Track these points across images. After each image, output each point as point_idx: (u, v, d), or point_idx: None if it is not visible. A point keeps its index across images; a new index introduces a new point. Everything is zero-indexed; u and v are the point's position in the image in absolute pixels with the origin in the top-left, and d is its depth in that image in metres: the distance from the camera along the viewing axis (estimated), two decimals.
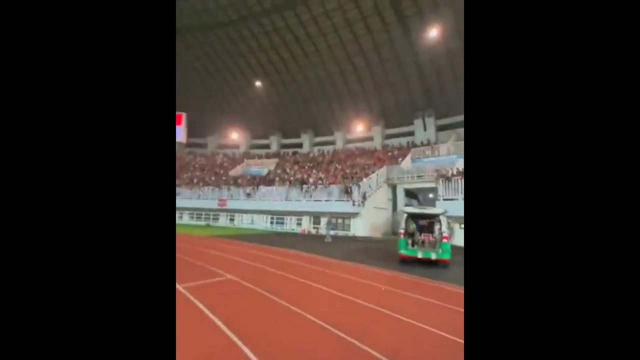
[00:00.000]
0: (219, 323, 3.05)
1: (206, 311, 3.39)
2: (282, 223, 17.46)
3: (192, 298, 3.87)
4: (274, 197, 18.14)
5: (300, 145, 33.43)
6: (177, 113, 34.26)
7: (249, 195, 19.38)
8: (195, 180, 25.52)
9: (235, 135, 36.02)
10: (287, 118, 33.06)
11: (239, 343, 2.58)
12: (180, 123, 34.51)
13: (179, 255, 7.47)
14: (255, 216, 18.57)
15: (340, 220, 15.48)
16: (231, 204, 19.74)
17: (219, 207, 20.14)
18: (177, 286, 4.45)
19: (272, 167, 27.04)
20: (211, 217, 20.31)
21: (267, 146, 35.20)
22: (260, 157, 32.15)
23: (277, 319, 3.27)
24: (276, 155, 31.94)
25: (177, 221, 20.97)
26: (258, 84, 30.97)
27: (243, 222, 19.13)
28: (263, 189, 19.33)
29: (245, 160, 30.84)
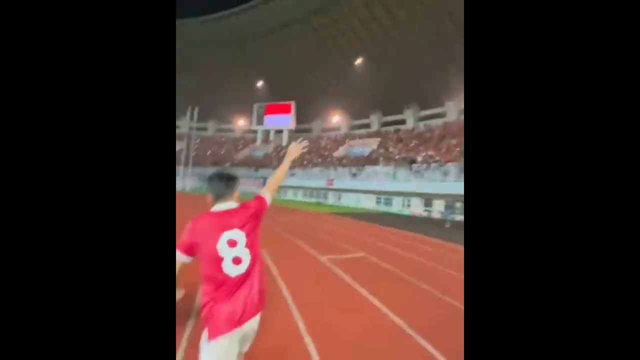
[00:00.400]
0: (374, 300, 3.14)
1: (357, 286, 3.57)
2: (390, 203, 17.07)
3: (339, 270, 4.18)
4: (380, 177, 17.85)
5: (402, 122, 31.38)
6: (286, 103, 38.27)
7: (354, 175, 19.80)
8: (304, 162, 28.06)
9: (336, 118, 37.13)
10: (388, 94, 31.36)
11: (401, 323, 2.58)
12: (289, 111, 38.44)
13: (306, 229, 8.36)
14: (361, 195, 18.91)
15: (459, 204, 13.78)
16: (338, 184, 20.74)
17: (327, 187, 21.51)
18: (323, 257, 4.92)
19: (375, 147, 26.60)
20: (321, 195, 21.98)
21: (367, 125, 34.75)
22: (361, 137, 32.15)
23: (424, 302, 3.12)
24: (377, 134, 31.17)
25: (292, 197, 23.77)
26: (358, 61, 30.34)
27: (350, 200, 19.85)
28: (368, 168, 19.29)
29: (347, 141, 31.50)
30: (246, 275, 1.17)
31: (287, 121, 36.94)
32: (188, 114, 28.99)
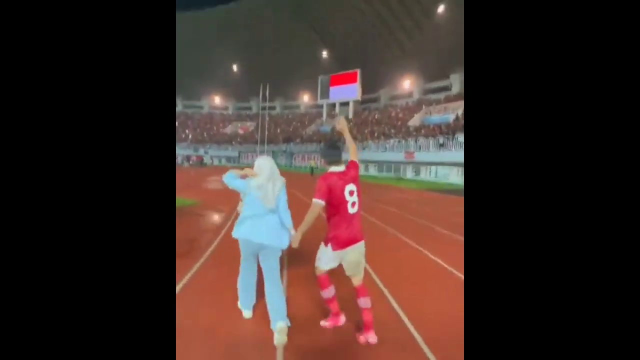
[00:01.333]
0: None
1: None
2: None
3: None
4: None
5: None
6: (351, 71, 35.90)
7: (442, 145, 17.40)
8: (375, 134, 26.24)
9: (407, 83, 33.30)
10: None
11: None
12: (355, 80, 36.09)
13: (436, 210, 7.32)
14: (447, 169, 16.59)
15: None
16: (420, 156, 18.66)
17: (406, 160, 19.63)
18: None
19: (460, 112, 22.93)
20: (401, 170, 20.24)
21: (446, 88, 30.20)
22: (439, 102, 28.23)
23: None
24: (459, 97, 26.84)
25: (364, 172, 22.65)
26: (441, 9, 25.65)
27: (431, 175, 17.73)
28: (461, 136, 16.62)
29: (423, 107, 28.10)
30: (357, 214, 1.82)
31: (352, 91, 34.85)
32: (260, 93, 29.67)
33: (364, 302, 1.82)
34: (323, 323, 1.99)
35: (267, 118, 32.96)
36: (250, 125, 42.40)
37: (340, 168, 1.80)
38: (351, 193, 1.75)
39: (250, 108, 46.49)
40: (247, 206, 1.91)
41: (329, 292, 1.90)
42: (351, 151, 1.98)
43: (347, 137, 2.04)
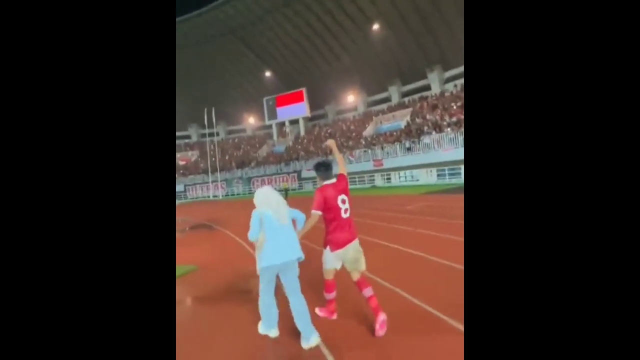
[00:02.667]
0: None
1: None
2: (458, 174, 14.90)
3: None
4: (446, 147, 15.63)
5: (427, 88, 28.70)
6: (297, 90, 35.59)
7: (409, 149, 17.58)
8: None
9: (351, 98, 34.40)
10: (406, 59, 28.56)
11: None
12: (302, 99, 35.79)
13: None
14: (416, 171, 16.78)
15: None
16: (388, 163, 18.55)
17: (375, 168, 19.35)
18: None
19: (408, 118, 24.17)
20: (366, 179, 19.80)
21: (387, 99, 32.06)
22: (384, 112, 29.62)
23: None
24: (402, 105, 28.60)
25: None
26: (375, 27, 27.22)
27: (401, 179, 17.74)
28: (427, 138, 17.02)
29: (373, 117, 29.00)
30: (349, 218, 2.14)
31: (302, 109, 34.36)
32: (206, 118, 26.50)
33: (367, 291, 2.10)
34: (318, 311, 2.35)
35: (210, 146, 29.61)
36: (192, 154, 37.87)
37: (332, 181, 2.15)
38: (343, 201, 2.09)
39: (189, 137, 41.81)
40: (267, 233, 1.96)
41: (331, 295, 2.26)
42: (340, 165, 2.32)
43: (336, 153, 2.43)
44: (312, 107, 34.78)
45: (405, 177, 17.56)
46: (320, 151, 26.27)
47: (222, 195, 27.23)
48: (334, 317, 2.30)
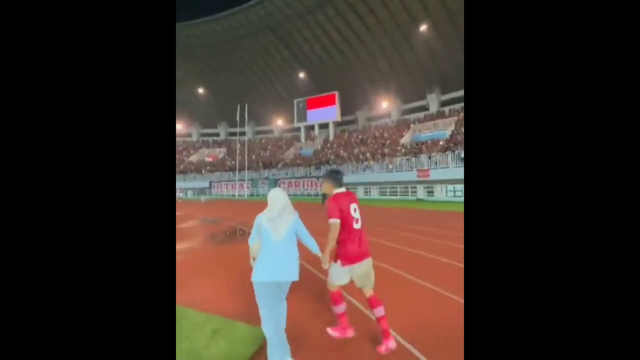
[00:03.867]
0: None
1: None
2: None
3: None
4: None
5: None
6: (329, 94, 34.14)
7: (463, 159, 15.23)
8: (365, 155, 23.76)
9: (385, 104, 32.36)
10: (450, 66, 26.22)
11: None
12: (333, 102, 34.24)
13: None
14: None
15: None
16: (436, 174, 16.25)
17: (419, 179, 17.08)
18: None
19: (453, 127, 21.77)
20: (409, 190, 17.53)
21: (424, 108, 29.71)
22: (420, 120, 27.32)
23: None
24: (441, 115, 26.20)
25: (365, 196, 19.62)
26: (422, 28, 25.15)
27: (448, 194, 15.34)
28: None
29: (411, 126, 26.76)
30: (362, 231, 1.93)
31: (332, 113, 32.73)
32: (238, 116, 25.46)
33: (378, 311, 1.87)
34: (330, 332, 2.01)
35: (238, 145, 28.55)
36: (219, 152, 37.16)
37: (342, 190, 1.97)
38: (355, 210, 1.91)
39: (217, 134, 41.37)
40: (262, 244, 1.72)
41: (340, 308, 1.96)
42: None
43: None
44: (343, 111, 33.08)
45: (454, 192, 15.16)
46: (353, 157, 24.35)
47: (247, 195, 25.84)
48: (350, 333, 1.99)
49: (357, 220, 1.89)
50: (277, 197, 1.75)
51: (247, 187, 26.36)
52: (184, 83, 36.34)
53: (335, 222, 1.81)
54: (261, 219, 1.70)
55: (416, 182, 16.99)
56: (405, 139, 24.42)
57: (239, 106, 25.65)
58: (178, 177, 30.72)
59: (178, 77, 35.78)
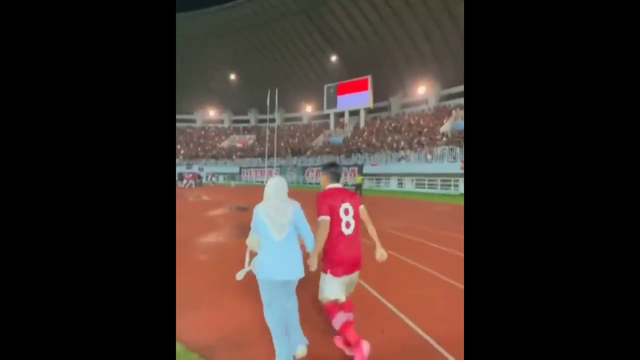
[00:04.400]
0: None
1: None
2: None
3: None
4: None
5: None
6: (363, 78, 32.20)
7: None
8: (399, 144, 22.01)
9: (422, 89, 29.77)
10: None
11: None
12: (366, 88, 32.35)
13: None
14: None
15: None
16: None
17: (463, 171, 15.26)
18: None
19: None
20: (451, 184, 15.78)
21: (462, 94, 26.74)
22: (462, 107, 24.66)
23: None
24: None
25: (398, 188, 18.15)
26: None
27: None
28: None
29: (453, 112, 24.33)
30: (354, 238, 1.65)
31: (364, 99, 30.92)
32: (268, 101, 24.97)
33: (347, 316, 1.70)
34: (348, 353, 1.68)
35: (267, 131, 28.23)
36: (249, 138, 37.33)
37: (338, 185, 1.77)
38: (346, 212, 1.65)
39: (248, 121, 41.56)
40: (262, 240, 1.57)
41: (339, 319, 1.64)
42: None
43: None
44: (375, 98, 31.09)
45: None
46: (386, 145, 22.75)
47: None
48: (366, 350, 1.56)
49: (347, 224, 1.64)
50: (276, 188, 1.59)
51: (276, 174, 26.09)
52: (216, 70, 36.56)
53: (324, 219, 1.62)
54: (260, 211, 1.56)
55: (459, 175, 15.20)
56: (446, 127, 22.20)
57: (269, 91, 25.07)
58: (210, 161, 31.35)
59: (210, 64, 36.02)
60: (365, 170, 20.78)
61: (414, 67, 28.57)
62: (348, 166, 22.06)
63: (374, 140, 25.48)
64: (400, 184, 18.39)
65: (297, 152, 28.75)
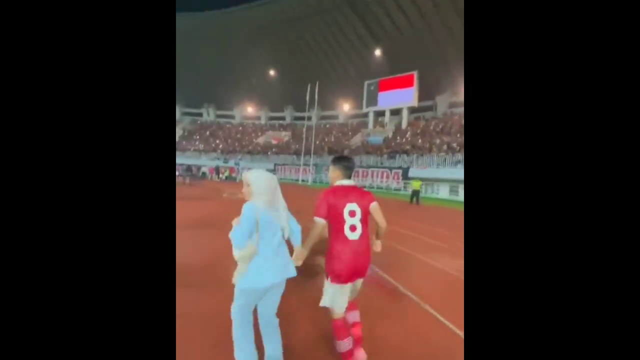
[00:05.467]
0: None
1: None
2: None
3: None
4: None
5: None
6: (408, 74, 29.51)
7: None
8: (450, 146, 19.20)
9: None
10: None
11: None
12: (411, 84, 29.54)
13: None
14: None
15: None
16: None
17: None
18: None
19: None
20: None
21: None
22: None
23: None
24: None
25: (451, 197, 15.51)
26: None
27: None
28: None
29: None
30: (360, 243, 1.45)
31: (408, 96, 28.21)
32: (308, 95, 23.61)
33: (353, 315, 1.58)
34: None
35: (304, 128, 26.85)
36: (285, 135, 36.60)
37: (349, 182, 1.54)
38: (351, 214, 1.45)
39: (283, 118, 40.97)
40: (262, 243, 1.33)
41: (345, 344, 1.49)
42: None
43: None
44: (419, 96, 28.20)
45: None
46: (435, 147, 20.10)
47: (311, 181, 24.18)
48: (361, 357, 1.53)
49: (352, 228, 1.44)
50: (259, 177, 1.37)
51: (311, 173, 24.70)
52: (256, 66, 36.30)
53: (319, 221, 1.44)
54: (259, 208, 1.31)
55: None
56: None
57: (309, 86, 23.70)
58: (245, 157, 31.08)
59: (250, 61, 35.85)
60: (411, 174, 18.42)
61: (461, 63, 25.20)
62: (391, 168, 19.85)
63: (419, 141, 22.87)
64: (453, 191, 15.78)
65: (334, 151, 27.10)
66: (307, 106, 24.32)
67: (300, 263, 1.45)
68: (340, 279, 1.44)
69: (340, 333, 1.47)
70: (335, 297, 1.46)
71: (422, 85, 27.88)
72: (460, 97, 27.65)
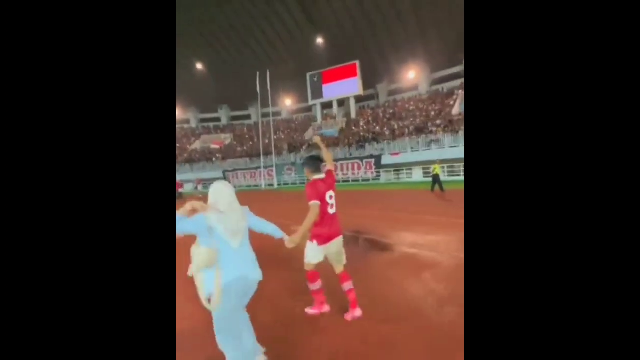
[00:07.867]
0: None
1: None
2: None
3: None
4: None
5: None
6: (350, 63, 28.63)
7: None
8: (407, 130, 19.14)
9: (412, 74, 27.43)
10: None
11: None
12: (355, 74, 28.84)
13: None
14: None
15: None
16: None
17: None
18: None
19: None
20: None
21: (459, 75, 25.14)
22: (458, 88, 22.83)
23: None
24: None
25: (426, 179, 15.23)
26: None
27: None
28: None
29: (458, 93, 22.21)
30: (335, 215, 2.10)
31: (353, 86, 27.44)
32: (257, 84, 19.71)
33: (347, 285, 2.11)
34: (308, 310, 2.21)
35: (244, 128, 22.92)
36: (225, 137, 31.28)
37: (322, 175, 2.10)
38: (331, 197, 2.06)
39: (219, 119, 35.10)
40: (221, 257, 1.39)
41: (316, 285, 2.15)
42: (328, 161, 2.28)
43: (324, 149, 2.42)
44: (367, 85, 27.87)
45: None
46: (397, 131, 19.66)
47: (277, 185, 20.71)
48: (326, 308, 2.21)
49: (332, 206, 2.07)
50: (223, 193, 1.49)
51: (269, 176, 21.23)
52: (177, 59, 29.39)
53: (315, 203, 1.95)
54: (211, 221, 1.39)
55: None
56: (456, 108, 19.95)
57: (258, 73, 19.90)
58: (184, 167, 24.92)
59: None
60: (384, 161, 17.40)
61: (401, 51, 25.96)
62: (362, 159, 18.43)
63: (377, 128, 22.25)
64: (427, 173, 15.35)
65: (294, 148, 24.12)
66: (259, 97, 20.50)
67: (294, 245, 1.83)
68: (321, 239, 2.03)
69: (313, 278, 2.14)
70: (316, 254, 2.07)
71: (363, 76, 27.54)
72: (398, 84, 28.59)
